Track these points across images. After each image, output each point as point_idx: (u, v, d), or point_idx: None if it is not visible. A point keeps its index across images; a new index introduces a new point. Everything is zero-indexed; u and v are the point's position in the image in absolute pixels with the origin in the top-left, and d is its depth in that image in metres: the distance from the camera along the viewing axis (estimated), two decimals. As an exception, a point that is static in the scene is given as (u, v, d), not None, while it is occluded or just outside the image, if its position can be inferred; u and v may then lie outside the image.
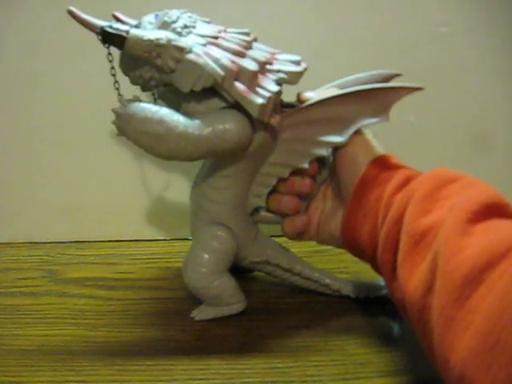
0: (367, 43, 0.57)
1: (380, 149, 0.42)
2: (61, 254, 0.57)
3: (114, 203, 0.59)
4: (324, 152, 0.42)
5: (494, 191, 0.33)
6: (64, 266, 0.55)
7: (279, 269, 0.48)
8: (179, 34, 0.39)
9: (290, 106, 0.44)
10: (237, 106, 0.39)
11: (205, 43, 0.39)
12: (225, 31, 0.41)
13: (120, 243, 0.60)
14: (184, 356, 0.41)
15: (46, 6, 0.54)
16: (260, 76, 0.39)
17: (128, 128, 0.39)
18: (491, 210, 0.31)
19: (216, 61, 0.38)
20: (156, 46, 0.38)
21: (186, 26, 0.39)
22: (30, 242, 0.60)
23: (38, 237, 0.60)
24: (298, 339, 0.43)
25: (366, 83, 0.42)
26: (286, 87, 0.41)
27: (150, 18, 0.40)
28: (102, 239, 0.59)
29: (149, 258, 0.56)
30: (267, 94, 0.39)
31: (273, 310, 0.47)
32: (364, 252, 0.41)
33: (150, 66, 0.39)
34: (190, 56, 0.38)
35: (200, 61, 0.38)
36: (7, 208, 0.60)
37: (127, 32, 0.38)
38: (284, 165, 0.43)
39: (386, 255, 0.37)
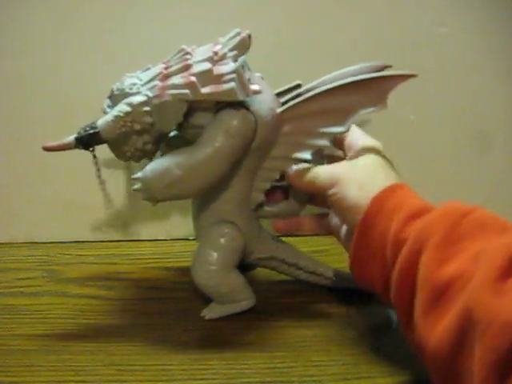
0: (367, 43, 0.57)
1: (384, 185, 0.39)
2: (61, 254, 0.57)
3: (113, 203, 0.59)
4: (326, 143, 0.43)
5: None
6: (64, 266, 0.55)
7: (285, 264, 0.48)
8: (132, 94, 0.41)
9: (287, 92, 0.46)
10: (224, 106, 0.41)
11: (156, 84, 0.41)
12: (166, 62, 0.42)
13: (120, 243, 0.60)
14: (184, 356, 0.41)
15: (45, 6, 0.55)
16: (215, 68, 0.40)
17: (154, 189, 0.41)
18: None
19: (174, 87, 0.40)
20: (126, 116, 0.40)
21: (132, 85, 0.41)
22: (30, 242, 0.60)
23: (38, 237, 0.60)
24: (298, 339, 0.43)
25: (358, 75, 0.42)
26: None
27: (105, 104, 0.43)
28: (102, 239, 0.60)
29: (149, 258, 0.56)
30: (231, 76, 0.40)
31: (273, 309, 0.47)
32: (375, 288, 0.39)
33: (135, 135, 0.41)
34: (155, 101, 0.40)
35: (164, 98, 0.40)
36: (7, 208, 0.60)
37: (95, 126, 0.41)
38: (286, 158, 0.44)
39: (401, 299, 0.35)
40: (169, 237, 0.60)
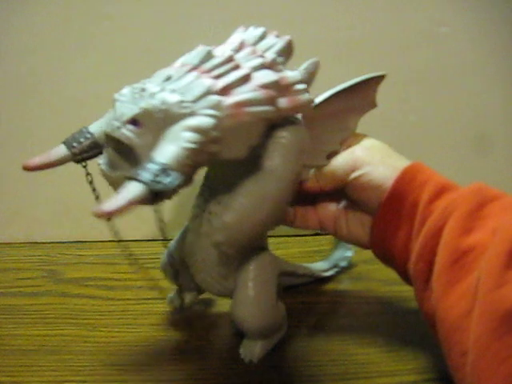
0: (367, 43, 0.57)
1: (406, 162, 0.40)
2: (61, 254, 0.57)
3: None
4: (338, 146, 0.41)
5: None
6: (64, 266, 0.55)
7: (285, 275, 0.45)
8: (185, 115, 0.31)
9: None
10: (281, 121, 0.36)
11: (217, 100, 0.32)
12: (199, 68, 0.33)
13: (120, 243, 0.60)
14: (184, 356, 0.41)
15: (45, 6, 0.55)
16: (280, 77, 0.35)
17: (240, 236, 0.35)
18: None
19: (252, 103, 0.33)
20: (197, 147, 0.30)
21: (180, 102, 0.31)
22: (30, 242, 0.60)
23: (38, 237, 0.60)
24: (298, 339, 0.43)
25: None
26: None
27: (127, 131, 0.30)
28: (102, 239, 0.60)
29: (149, 258, 0.56)
30: (303, 86, 0.36)
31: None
32: (394, 259, 0.39)
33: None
34: (227, 123, 0.32)
35: (241, 118, 0.32)
36: (7, 208, 0.60)
37: (166, 166, 0.29)
38: (304, 166, 0.40)
39: (421, 265, 0.36)
40: (169, 237, 0.60)
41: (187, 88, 0.31)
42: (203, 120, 0.30)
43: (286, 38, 0.37)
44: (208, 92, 0.31)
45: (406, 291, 0.48)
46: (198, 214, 0.40)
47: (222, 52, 0.34)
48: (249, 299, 0.38)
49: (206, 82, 0.32)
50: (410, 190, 0.38)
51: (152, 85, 0.31)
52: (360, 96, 0.41)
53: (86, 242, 0.60)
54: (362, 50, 0.57)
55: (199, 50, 0.33)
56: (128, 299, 0.49)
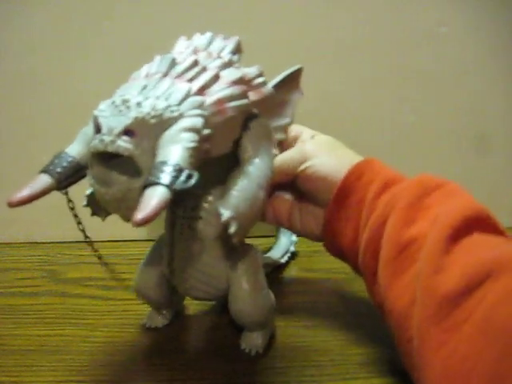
0: (367, 43, 0.57)
1: (354, 156, 0.41)
2: (61, 254, 0.58)
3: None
4: (283, 135, 0.44)
5: (476, 203, 0.34)
6: (64, 266, 0.55)
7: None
8: (175, 118, 0.32)
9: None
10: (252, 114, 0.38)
11: (199, 100, 0.33)
12: (171, 73, 0.34)
13: (120, 243, 0.60)
14: (184, 356, 0.41)
15: (45, 6, 0.55)
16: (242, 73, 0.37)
17: (247, 223, 0.36)
18: (473, 224, 0.32)
19: (232, 98, 0.35)
20: (198, 146, 0.32)
21: (167, 107, 0.32)
22: (30, 242, 0.60)
23: (38, 237, 0.60)
24: (298, 339, 0.43)
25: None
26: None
27: (123, 143, 0.30)
28: (102, 239, 0.59)
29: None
30: (262, 79, 0.39)
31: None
32: (344, 254, 0.41)
33: None
34: (214, 120, 0.34)
35: (227, 114, 0.34)
36: (7, 208, 0.60)
37: (179, 168, 0.30)
38: None
39: (368, 260, 0.37)
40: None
41: (168, 93, 0.32)
42: (194, 120, 0.32)
43: (235, 38, 0.39)
44: (188, 94, 0.33)
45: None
46: (171, 226, 0.40)
47: (182, 58, 0.35)
48: (246, 293, 0.39)
49: (183, 85, 0.33)
50: (357, 188, 0.39)
51: (132, 96, 0.32)
52: (288, 88, 0.44)
53: (85, 241, 0.59)
54: (362, 50, 0.57)
55: (163, 59, 0.35)
56: (128, 299, 0.48)
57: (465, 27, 0.57)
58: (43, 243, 0.60)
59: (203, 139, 0.32)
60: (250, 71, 0.37)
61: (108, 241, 0.60)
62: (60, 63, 0.56)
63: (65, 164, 0.33)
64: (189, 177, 0.29)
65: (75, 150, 0.34)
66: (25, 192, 0.33)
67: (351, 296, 0.49)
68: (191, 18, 0.55)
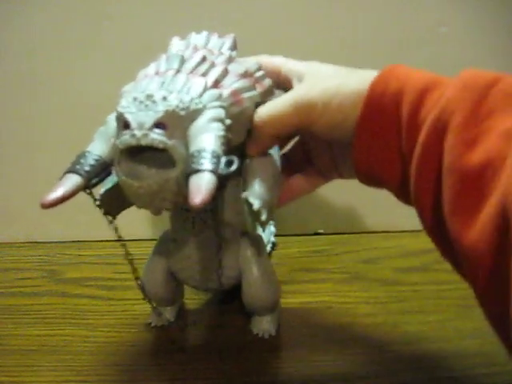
0: (367, 43, 0.57)
1: (363, 72, 0.34)
2: (61, 254, 0.58)
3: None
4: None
5: None
6: (64, 266, 0.55)
7: None
8: (201, 110, 0.33)
9: None
10: None
11: (217, 92, 0.34)
12: (181, 69, 0.35)
13: (120, 243, 0.59)
14: (184, 356, 0.41)
15: (45, 6, 0.55)
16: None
17: (272, 209, 0.37)
18: None
19: (246, 89, 0.36)
20: (226, 134, 0.32)
21: (191, 100, 0.33)
22: (30, 242, 0.60)
23: (38, 237, 0.60)
24: (298, 339, 0.43)
25: None
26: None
27: (156, 136, 0.31)
28: (102, 239, 0.59)
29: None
30: (262, 72, 0.38)
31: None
32: (388, 185, 0.34)
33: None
34: (233, 110, 0.34)
35: (244, 105, 0.35)
36: (7, 208, 0.60)
37: (217, 154, 0.31)
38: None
39: (424, 192, 0.30)
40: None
41: (187, 87, 0.33)
42: (218, 111, 0.33)
43: (231, 35, 0.39)
44: (206, 88, 0.33)
45: (404, 291, 0.49)
46: (181, 220, 0.41)
47: (187, 55, 0.36)
48: (259, 279, 0.41)
49: (199, 80, 0.34)
50: (385, 106, 0.31)
51: (154, 91, 0.32)
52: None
53: (85, 241, 0.60)
54: (362, 50, 0.56)
55: (173, 56, 0.35)
56: (128, 299, 0.48)
57: (465, 27, 0.57)
58: (43, 243, 0.60)
59: (227, 129, 0.33)
60: (251, 65, 0.38)
61: (108, 241, 0.60)
62: (60, 63, 0.56)
63: (92, 162, 0.33)
64: (229, 163, 0.31)
65: (98, 148, 0.34)
66: (59, 192, 0.32)
67: (351, 296, 0.49)
68: (191, 18, 0.55)
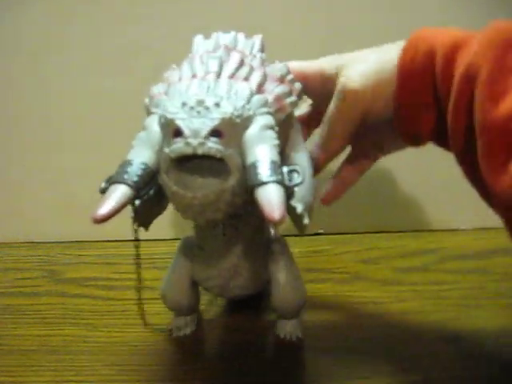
0: (367, 43, 0.57)
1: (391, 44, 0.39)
2: (61, 254, 0.57)
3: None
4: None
5: None
6: (64, 266, 0.55)
7: None
8: (251, 117, 0.32)
9: None
10: None
11: (262, 98, 0.33)
12: (220, 72, 0.34)
13: (120, 243, 0.60)
14: (184, 356, 0.41)
15: (45, 6, 0.55)
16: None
17: (312, 211, 0.36)
18: None
19: (286, 95, 0.35)
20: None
21: (243, 106, 0.31)
22: (30, 242, 0.60)
23: (38, 237, 0.60)
24: (298, 339, 0.43)
25: None
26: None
27: (213, 145, 0.30)
28: (102, 239, 0.60)
29: (149, 258, 0.56)
30: (292, 76, 0.37)
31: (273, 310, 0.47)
32: (427, 135, 0.37)
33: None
34: (279, 117, 0.34)
35: (287, 110, 0.35)
36: (7, 208, 0.60)
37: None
38: None
39: (460, 138, 0.32)
40: (168, 237, 0.60)
41: (233, 93, 0.32)
42: (268, 118, 0.32)
43: (259, 36, 0.38)
44: (252, 93, 0.32)
45: (404, 291, 0.49)
46: (212, 228, 0.39)
47: (224, 58, 0.34)
48: (288, 283, 0.40)
49: (243, 84, 0.32)
50: (417, 69, 0.35)
51: (204, 97, 0.30)
52: None
53: (85, 241, 0.60)
54: (362, 49, 0.56)
55: (211, 58, 0.33)
56: (128, 299, 0.48)
57: (465, 27, 0.57)
58: (43, 243, 0.60)
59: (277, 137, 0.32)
60: (282, 69, 0.36)
61: (108, 241, 0.60)
62: (60, 64, 0.56)
63: (140, 172, 0.31)
64: (291, 172, 0.31)
65: (143, 156, 0.31)
66: (110, 206, 0.30)
67: (350, 296, 0.49)
68: (191, 18, 0.55)
